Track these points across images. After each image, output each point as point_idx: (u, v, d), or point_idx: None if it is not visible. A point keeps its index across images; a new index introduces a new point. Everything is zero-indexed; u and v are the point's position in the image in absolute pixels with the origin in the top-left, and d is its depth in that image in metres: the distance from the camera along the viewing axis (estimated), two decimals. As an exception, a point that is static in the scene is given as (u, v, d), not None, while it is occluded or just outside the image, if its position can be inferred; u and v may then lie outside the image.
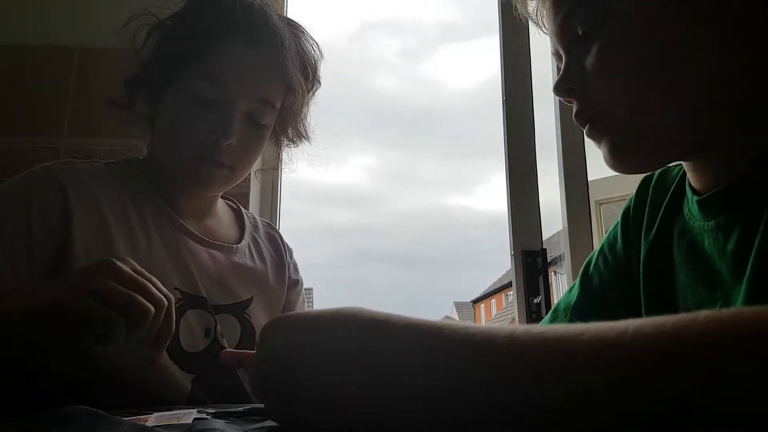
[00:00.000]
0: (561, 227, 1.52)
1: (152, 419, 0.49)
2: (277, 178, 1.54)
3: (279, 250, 0.96)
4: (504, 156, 1.56)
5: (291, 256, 0.98)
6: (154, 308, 0.57)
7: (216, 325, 0.78)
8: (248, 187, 1.41)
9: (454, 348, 0.30)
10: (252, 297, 0.86)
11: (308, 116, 0.91)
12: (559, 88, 0.56)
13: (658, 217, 0.62)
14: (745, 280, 0.46)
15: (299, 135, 0.91)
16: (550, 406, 0.25)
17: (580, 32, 0.54)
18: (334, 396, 0.32)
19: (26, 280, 0.68)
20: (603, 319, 0.69)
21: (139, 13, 0.82)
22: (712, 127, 0.50)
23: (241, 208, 0.98)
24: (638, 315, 0.61)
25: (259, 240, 0.95)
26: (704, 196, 0.53)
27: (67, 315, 0.55)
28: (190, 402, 0.71)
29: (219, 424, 0.47)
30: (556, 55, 0.58)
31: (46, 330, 0.57)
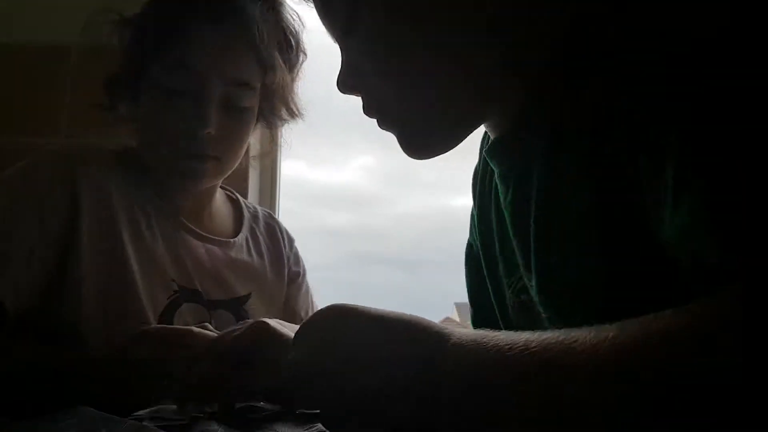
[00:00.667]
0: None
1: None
2: (276, 178, 1.53)
3: (277, 243, 0.94)
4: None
5: (291, 248, 0.96)
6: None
7: (210, 320, 0.78)
8: (246, 187, 1.40)
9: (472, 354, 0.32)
10: (250, 293, 0.85)
11: (298, 91, 0.88)
12: (340, 86, 0.54)
13: (480, 178, 0.62)
14: (532, 251, 0.47)
15: (291, 113, 0.88)
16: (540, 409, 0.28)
17: (340, 26, 0.52)
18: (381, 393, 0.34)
19: (40, 270, 0.69)
20: (482, 290, 0.64)
21: (101, 11, 0.80)
22: (487, 100, 0.50)
23: (240, 198, 0.96)
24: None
25: (258, 233, 0.93)
26: (486, 147, 0.54)
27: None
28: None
29: (217, 425, 0.46)
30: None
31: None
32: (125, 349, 0.61)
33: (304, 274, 0.96)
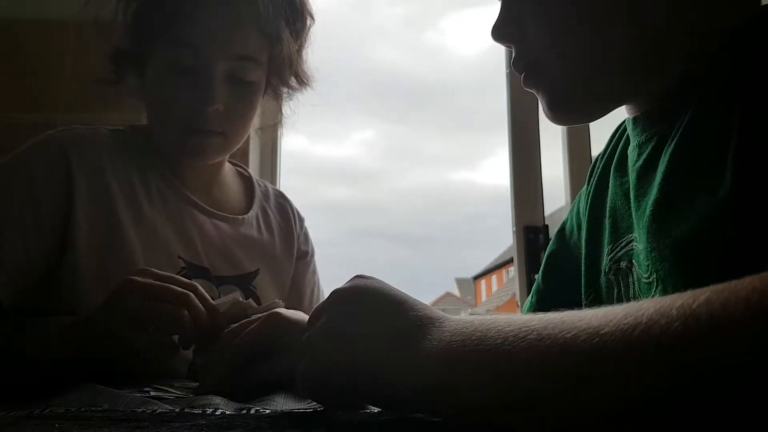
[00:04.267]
0: (564, 203, 1.52)
1: None
2: (277, 153, 1.53)
3: (288, 221, 0.94)
4: (507, 130, 1.54)
5: (302, 227, 0.96)
6: (183, 306, 0.58)
7: (219, 296, 0.78)
8: (247, 162, 1.39)
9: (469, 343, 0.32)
10: (258, 269, 0.85)
11: (307, 58, 0.85)
12: (495, 33, 0.53)
13: (600, 160, 0.63)
14: (650, 202, 0.46)
15: (300, 81, 0.86)
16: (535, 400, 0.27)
17: None
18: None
19: (35, 255, 0.69)
20: (574, 269, 0.64)
21: None
22: (648, 72, 0.49)
23: (253, 176, 0.96)
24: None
25: (269, 210, 0.93)
26: (632, 117, 0.53)
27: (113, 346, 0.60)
28: (192, 369, 0.71)
29: (219, 399, 0.47)
30: None
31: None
32: (112, 302, 0.59)
33: (313, 254, 0.96)
